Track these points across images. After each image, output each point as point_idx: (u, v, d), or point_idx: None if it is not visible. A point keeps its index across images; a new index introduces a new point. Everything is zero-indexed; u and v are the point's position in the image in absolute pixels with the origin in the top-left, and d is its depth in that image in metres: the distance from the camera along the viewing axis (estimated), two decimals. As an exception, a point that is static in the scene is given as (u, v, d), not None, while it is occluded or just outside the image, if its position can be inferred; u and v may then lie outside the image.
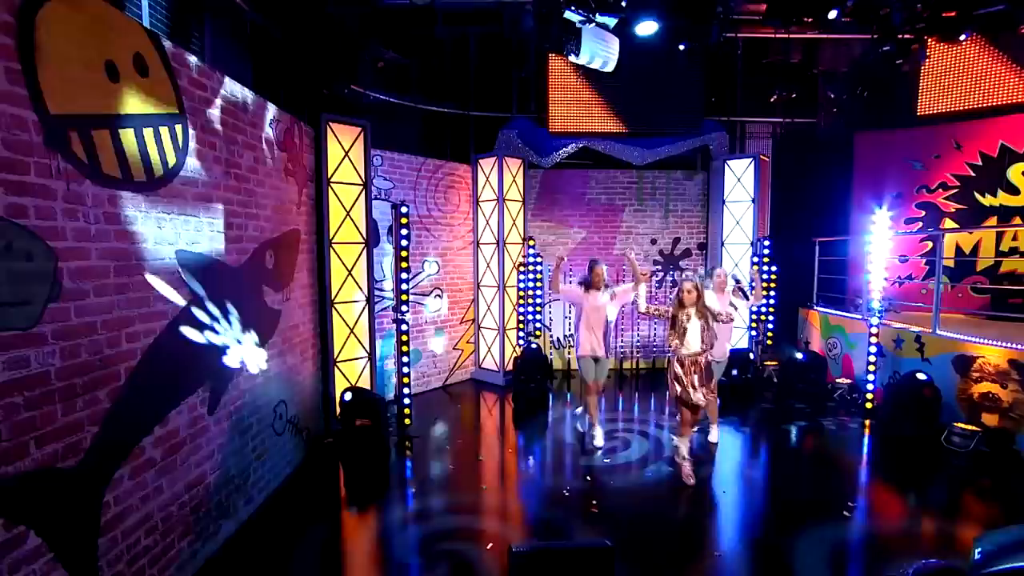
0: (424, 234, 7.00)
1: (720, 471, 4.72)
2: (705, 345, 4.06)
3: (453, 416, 6.14)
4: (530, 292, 7.25)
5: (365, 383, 5.74)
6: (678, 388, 4.16)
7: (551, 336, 8.12)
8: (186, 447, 3.26)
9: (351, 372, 5.75)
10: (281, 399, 4.49)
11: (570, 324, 8.11)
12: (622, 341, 8.37)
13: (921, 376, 5.54)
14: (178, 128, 3.12)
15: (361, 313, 5.77)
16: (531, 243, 7.40)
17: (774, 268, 7.44)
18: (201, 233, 3.41)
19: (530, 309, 7.33)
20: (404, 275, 5.71)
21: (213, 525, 3.47)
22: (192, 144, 3.26)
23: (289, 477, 4.55)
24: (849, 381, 6.85)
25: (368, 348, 5.83)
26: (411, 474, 4.75)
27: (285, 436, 4.53)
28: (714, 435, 5.30)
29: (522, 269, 7.25)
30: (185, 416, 3.26)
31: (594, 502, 4.03)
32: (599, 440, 4.97)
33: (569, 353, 8.05)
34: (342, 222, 5.57)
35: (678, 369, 4.19)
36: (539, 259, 7.39)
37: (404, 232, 5.76)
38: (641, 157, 7.92)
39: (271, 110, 4.23)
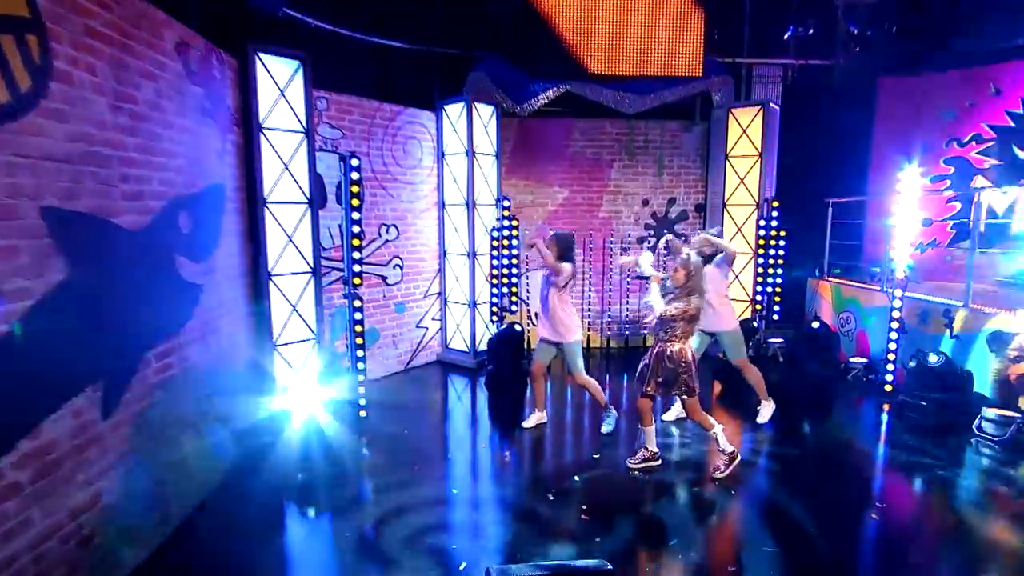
0: (380, 193, 6.62)
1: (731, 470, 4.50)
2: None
3: (417, 405, 5.95)
4: (505, 260, 6.99)
5: (311, 370, 5.35)
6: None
7: (529, 310, 7.89)
8: (69, 463, 2.80)
9: (294, 357, 5.29)
10: (207, 394, 4.08)
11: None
12: (609, 314, 8.21)
13: (935, 357, 5.41)
14: (31, 40, 2.55)
15: (306, 287, 5.30)
16: (506, 204, 7.11)
17: (782, 233, 7.19)
18: (81, 186, 2.86)
19: (504, 280, 7.05)
20: (357, 241, 5.36)
21: (112, 557, 3.02)
22: (57, 64, 2.69)
23: (220, 485, 4.21)
24: (865, 360, 6.77)
25: (315, 329, 5.36)
26: (367, 477, 4.50)
27: (213, 438, 4.15)
28: (672, 413, 5.31)
29: (495, 235, 6.92)
30: (67, 423, 2.79)
31: (584, 507, 3.83)
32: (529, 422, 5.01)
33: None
34: (279, 177, 5.06)
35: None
36: (515, 223, 7.07)
37: (356, 190, 5.34)
38: (632, 104, 7.60)
39: (176, 29, 3.66)
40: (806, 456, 4.78)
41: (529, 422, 5.11)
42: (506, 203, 7.04)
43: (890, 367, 6.17)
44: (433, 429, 5.38)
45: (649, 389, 4.18)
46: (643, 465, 4.39)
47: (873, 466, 4.76)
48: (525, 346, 6.71)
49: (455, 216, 7.16)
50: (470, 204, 6.96)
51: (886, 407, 5.94)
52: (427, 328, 7.31)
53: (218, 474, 4.32)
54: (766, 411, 5.25)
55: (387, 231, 6.74)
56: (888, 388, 6.15)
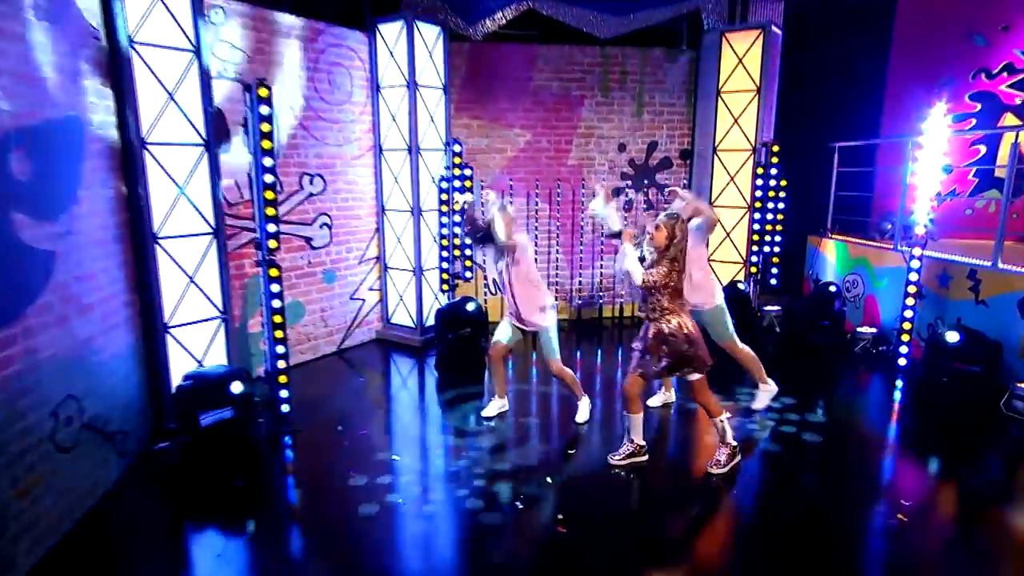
0: (301, 135, 6.11)
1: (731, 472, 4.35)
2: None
3: (352, 394, 5.67)
4: (457, 218, 6.75)
5: (218, 356, 4.82)
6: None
7: (487, 277, 7.67)
8: None
9: (195, 342, 4.72)
10: (68, 394, 3.58)
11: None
12: (580, 280, 8.00)
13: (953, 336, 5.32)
14: None
15: (206, 253, 4.71)
16: (457, 150, 6.77)
17: (783, 184, 7.09)
18: None
19: (457, 242, 6.85)
20: (271, 195, 4.87)
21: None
22: None
23: (92, 511, 3.75)
24: (874, 330, 6.76)
25: (221, 305, 4.80)
26: (290, 492, 4.13)
27: (81, 450, 3.67)
28: (657, 399, 5.26)
29: (445, 186, 6.64)
30: None
31: (560, 517, 3.62)
32: (490, 410, 4.99)
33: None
34: (162, 110, 4.41)
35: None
36: (468, 172, 6.77)
37: (267, 129, 4.79)
38: (607, 27, 7.24)
39: None
40: (810, 447, 4.63)
41: (489, 410, 5.00)
42: (457, 148, 6.77)
43: (905, 338, 6.10)
44: (373, 423, 5.06)
45: (646, 374, 4.01)
46: (628, 461, 4.24)
47: (890, 457, 4.67)
48: (484, 319, 6.52)
49: (395, 164, 6.78)
50: (413, 149, 6.58)
51: (899, 384, 5.91)
52: (364, 300, 7.01)
53: (91, 496, 3.82)
54: (764, 396, 5.13)
55: (311, 182, 6.27)
56: (902, 362, 6.09)
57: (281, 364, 4.99)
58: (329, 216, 6.48)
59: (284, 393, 5.01)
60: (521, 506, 3.76)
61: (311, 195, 6.30)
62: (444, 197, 6.69)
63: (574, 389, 4.94)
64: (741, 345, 5.02)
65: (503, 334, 4.86)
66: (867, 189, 7.86)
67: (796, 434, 4.80)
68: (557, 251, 7.84)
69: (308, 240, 6.34)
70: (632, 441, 4.24)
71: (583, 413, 4.94)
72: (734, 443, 4.18)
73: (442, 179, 6.72)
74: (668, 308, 3.91)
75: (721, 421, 4.18)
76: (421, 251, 6.82)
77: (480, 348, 6.17)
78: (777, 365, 5.76)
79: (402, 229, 6.88)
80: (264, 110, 4.77)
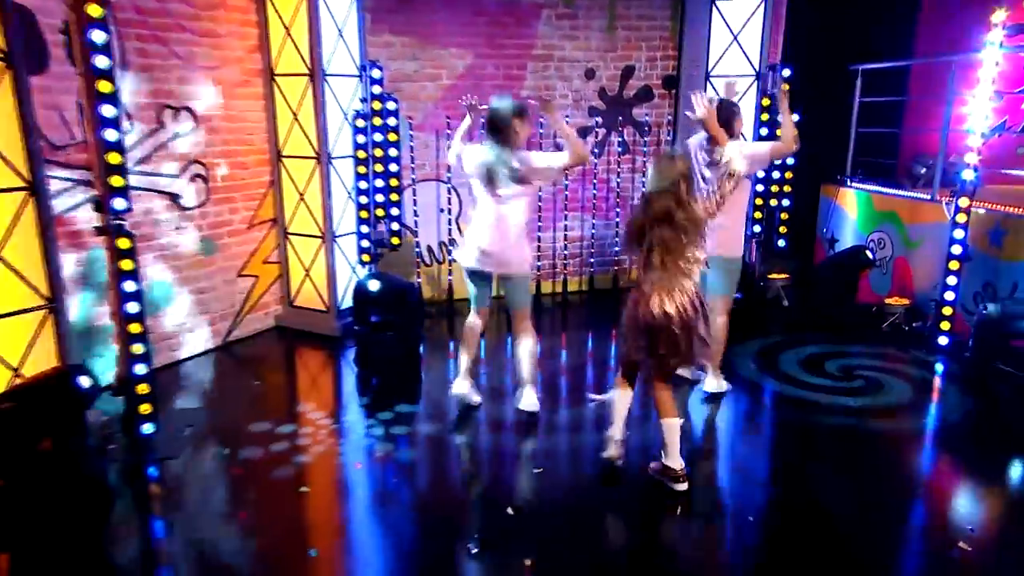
0: (158, 52, 5.66)
1: (725, 475, 4.49)
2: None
3: (242, 403, 5.47)
4: (379, 167, 6.62)
5: (47, 358, 4.41)
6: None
7: (418, 244, 7.65)
8: None
9: (9, 343, 4.22)
10: None
11: (452, 220, 7.75)
12: (537, 247, 8.00)
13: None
14: None
15: (20, 216, 4.16)
16: (376, 75, 6.49)
17: (795, 118, 6.66)
18: None
19: (380, 198, 6.69)
20: (113, 134, 4.43)
21: None
22: None
23: None
24: (906, 302, 6.80)
25: (47, 290, 4.31)
26: (164, 549, 3.80)
27: None
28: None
29: (361, 125, 6.45)
30: None
31: (528, 563, 3.45)
32: (462, 389, 5.16)
33: (450, 266, 7.68)
34: None
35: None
36: (392, 105, 6.55)
37: (102, 39, 4.29)
38: None
39: None
40: (836, 457, 4.60)
41: (462, 386, 5.13)
42: (376, 73, 6.54)
43: (947, 311, 6.07)
44: (273, 444, 4.75)
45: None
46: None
47: (941, 466, 4.66)
48: (418, 299, 6.66)
49: (293, 94, 6.46)
50: (317, 74, 6.28)
51: (939, 369, 5.95)
52: (257, 278, 6.73)
53: None
54: (713, 381, 5.37)
55: (175, 118, 5.83)
56: (943, 341, 6.10)
57: (140, 369, 4.69)
58: (203, 165, 6.09)
59: (146, 408, 4.71)
60: (476, 550, 3.56)
61: (176, 136, 5.86)
62: (361, 139, 6.43)
63: (530, 362, 4.99)
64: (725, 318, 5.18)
65: (472, 288, 4.92)
66: (896, 124, 7.89)
67: (813, 440, 4.80)
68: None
69: (174, 198, 5.94)
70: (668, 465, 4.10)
71: (530, 399, 5.02)
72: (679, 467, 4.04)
73: (357, 115, 6.44)
74: (696, 261, 3.86)
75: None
76: (332, 211, 6.56)
77: (415, 336, 6.23)
78: (785, 349, 5.96)
79: (306, 182, 6.54)
80: (97, 13, 4.22)
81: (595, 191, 7.76)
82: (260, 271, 6.70)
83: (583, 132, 7.64)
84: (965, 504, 4.09)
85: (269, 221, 6.68)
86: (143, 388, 4.66)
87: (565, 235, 7.93)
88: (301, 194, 6.52)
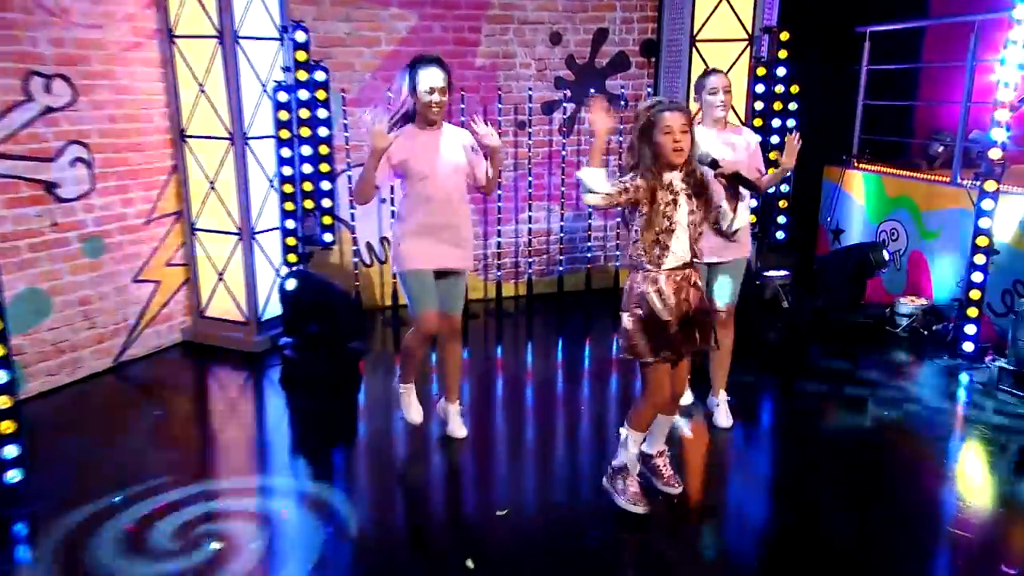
0: (19, 3, 5.39)
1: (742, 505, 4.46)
2: (701, 248, 4.02)
3: (140, 438, 5.23)
4: (308, 149, 6.47)
5: None
6: (642, 340, 3.89)
7: (356, 241, 7.51)
8: None
9: None
10: None
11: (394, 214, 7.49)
12: (498, 243, 7.83)
13: None
14: None
15: None
16: (301, 39, 6.34)
17: (794, 90, 6.96)
18: None
19: (308, 187, 6.53)
20: None
21: None
22: None
23: None
24: (924, 302, 6.76)
25: None
26: None
27: None
28: (723, 416, 5.17)
29: (284, 99, 6.27)
30: None
31: None
32: (455, 426, 5.03)
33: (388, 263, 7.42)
34: None
35: (655, 300, 3.87)
36: (321, 76, 6.43)
37: None
38: None
39: None
40: (850, 489, 4.49)
41: (415, 411, 4.99)
42: (301, 36, 6.34)
43: (973, 312, 6.03)
44: (178, 487, 4.58)
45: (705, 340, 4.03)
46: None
47: (970, 498, 4.46)
48: (355, 306, 6.69)
49: (198, 61, 6.29)
50: (227, 36, 6.10)
51: (964, 380, 5.88)
52: (158, 283, 6.57)
53: None
54: (725, 408, 5.26)
55: (47, 89, 5.56)
56: (968, 347, 6.03)
57: (3, 402, 4.38)
58: (86, 147, 5.84)
59: (11, 450, 4.38)
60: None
61: (51, 110, 5.60)
62: (284, 116, 6.25)
63: (454, 376, 5.00)
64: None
65: (431, 291, 4.73)
66: (910, 96, 7.90)
67: (822, 473, 4.69)
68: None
69: (50, 187, 5.68)
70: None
71: (460, 425, 4.98)
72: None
73: (278, 87, 6.25)
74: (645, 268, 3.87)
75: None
76: (250, 203, 6.38)
77: (353, 350, 6.05)
78: (785, 355, 6.03)
79: (217, 168, 6.39)
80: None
81: (564, 177, 7.53)
82: (162, 275, 6.53)
83: (548, 107, 7.56)
84: (999, 542, 3.97)
85: (172, 215, 6.54)
86: (7, 426, 4.36)
87: (529, 229, 7.77)
88: (211, 182, 6.33)
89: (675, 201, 3.67)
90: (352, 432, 5.36)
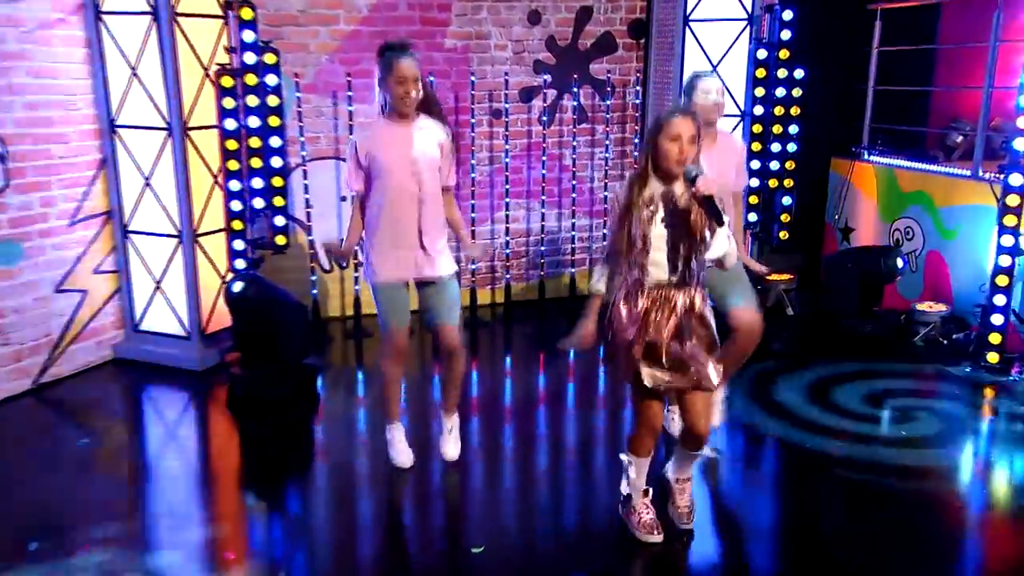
0: None
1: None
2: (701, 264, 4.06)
3: (64, 472, 5.03)
4: (257, 141, 6.36)
5: None
6: (619, 358, 3.95)
7: (313, 247, 7.32)
8: None
9: None
10: None
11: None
12: (509, 239, 7.76)
13: None
14: None
15: None
16: (248, 17, 6.21)
17: (799, 73, 6.85)
18: None
19: (258, 184, 6.45)
20: None
21: None
22: None
23: None
24: (943, 309, 6.70)
25: None
26: None
27: None
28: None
29: (229, 84, 6.17)
30: None
31: None
32: (450, 448, 5.03)
33: (351, 270, 7.48)
34: None
35: (621, 314, 3.92)
36: (271, 58, 6.30)
37: None
38: None
39: None
40: (863, 536, 4.27)
41: (402, 454, 4.94)
42: (247, 13, 6.24)
43: (997, 320, 5.97)
44: (109, 530, 4.37)
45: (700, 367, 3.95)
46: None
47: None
48: (312, 315, 6.77)
49: (129, 40, 6.11)
50: (162, 10, 5.92)
51: (988, 395, 5.83)
52: (85, 293, 6.41)
53: None
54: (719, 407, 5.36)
55: None
56: (993, 359, 5.96)
57: None
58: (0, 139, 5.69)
59: None
60: None
61: None
62: (229, 104, 6.10)
63: (454, 393, 4.97)
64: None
65: (403, 307, 4.69)
66: (925, 80, 7.89)
67: (839, 495, 4.66)
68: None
69: None
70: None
71: (455, 445, 4.98)
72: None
73: (223, 71, 6.16)
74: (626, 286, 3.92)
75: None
76: (191, 202, 6.23)
77: (311, 367, 6.00)
78: (787, 369, 5.99)
79: (153, 162, 6.25)
80: None
81: (544, 171, 7.41)
82: (89, 284, 6.39)
83: (526, 93, 7.52)
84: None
85: (101, 215, 6.38)
86: None
87: (507, 229, 7.67)
88: (146, 178, 6.18)
89: (652, 217, 3.66)
90: (309, 461, 5.23)
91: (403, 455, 4.86)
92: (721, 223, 3.66)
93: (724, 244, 3.87)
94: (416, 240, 4.56)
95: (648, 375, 3.77)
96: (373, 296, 4.74)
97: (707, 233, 3.75)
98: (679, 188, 3.65)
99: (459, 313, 4.83)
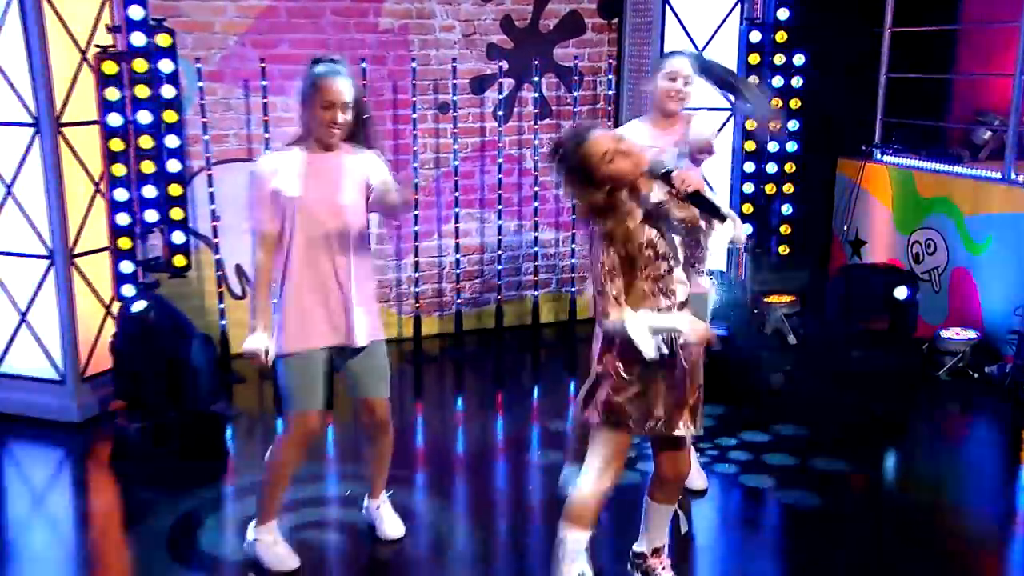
0: None
1: None
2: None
3: None
4: (150, 142, 6.18)
5: None
6: (621, 400, 3.82)
7: (223, 265, 7.10)
8: None
9: None
10: None
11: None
12: (416, 264, 7.46)
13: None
14: None
15: None
16: None
17: (799, 59, 6.89)
18: None
19: (151, 192, 6.30)
20: None
21: None
22: None
23: None
24: (972, 335, 6.62)
25: None
26: None
27: None
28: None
29: (112, 71, 5.99)
30: None
31: None
32: (388, 526, 4.87)
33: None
34: None
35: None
36: (166, 40, 6.09)
37: None
38: None
39: None
40: None
41: (289, 556, 4.66)
42: None
43: None
44: None
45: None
46: None
47: None
48: (219, 351, 6.60)
49: None
50: None
51: None
52: None
53: None
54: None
55: None
56: None
57: None
58: None
59: None
60: None
61: None
62: (113, 95, 5.90)
63: (383, 475, 4.81)
64: None
65: (317, 383, 4.44)
66: (946, 68, 7.91)
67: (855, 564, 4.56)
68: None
69: None
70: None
71: (395, 521, 4.81)
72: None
73: (104, 55, 5.94)
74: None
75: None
76: (65, 215, 6.00)
77: (217, 415, 5.83)
78: (795, 413, 5.87)
79: (16, 167, 6.03)
80: None
81: (501, 176, 7.25)
82: None
83: (478, 83, 7.42)
84: None
85: None
86: None
87: (456, 246, 7.51)
88: (8, 186, 5.95)
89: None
90: (216, 537, 4.88)
91: (290, 557, 4.62)
92: (723, 217, 3.52)
93: (729, 226, 3.69)
94: (340, 296, 4.36)
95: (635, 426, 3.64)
96: (280, 370, 4.43)
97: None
98: (655, 195, 3.51)
99: (388, 384, 4.71)
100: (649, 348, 3.56)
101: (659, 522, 4.00)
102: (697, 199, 3.52)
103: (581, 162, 3.44)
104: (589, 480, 3.83)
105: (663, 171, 3.47)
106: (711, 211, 3.55)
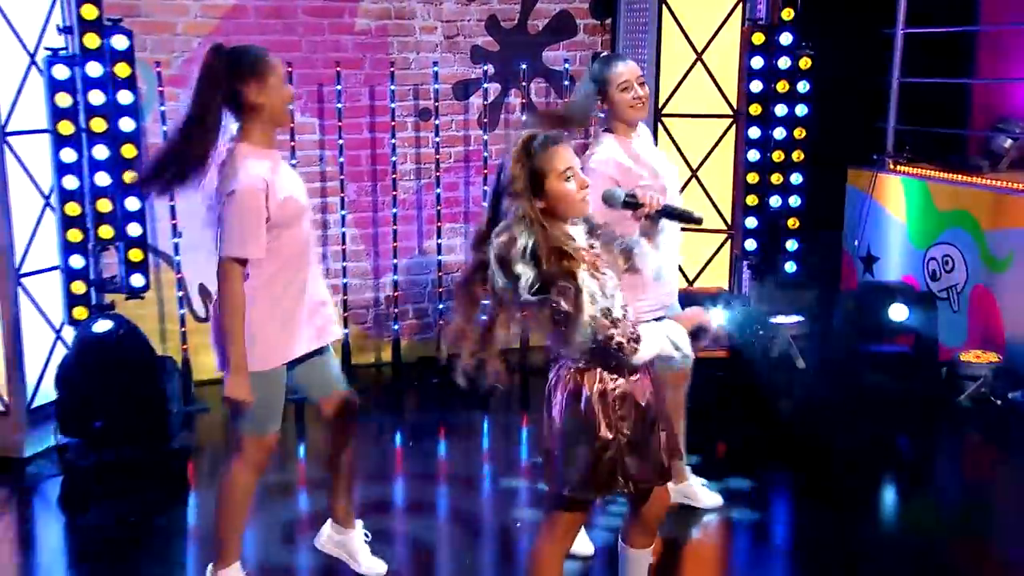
0: None
1: None
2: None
3: None
4: (105, 151, 6.13)
5: None
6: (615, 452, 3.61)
7: (182, 284, 6.99)
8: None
9: None
10: None
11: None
12: (393, 281, 7.37)
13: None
14: None
15: None
16: None
17: (804, 64, 6.79)
18: None
19: (106, 206, 6.24)
20: None
21: None
22: None
23: None
24: (994, 359, 6.54)
25: None
26: None
27: None
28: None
29: (63, 75, 5.95)
30: None
31: None
32: (367, 562, 4.83)
33: None
34: None
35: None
36: (123, 42, 6.00)
37: None
38: None
39: None
40: None
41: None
42: None
43: None
44: None
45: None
46: None
47: None
48: (180, 378, 6.48)
49: None
50: None
51: None
52: None
53: None
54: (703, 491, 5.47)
55: None
56: None
57: None
58: None
59: None
60: None
61: None
62: (64, 101, 5.85)
63: (350, 491, 4.77)
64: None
65: (280, 404, 4.40)
66: (965, 72, 7.93)
67: None
68: (343, 215, 7.33)
69: None
70: None
71: (367, 556, 4.69)
72: None
73: (55, 58, 5.84)
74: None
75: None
76: (12, 230, 5.92)
77: (177, 451, 5.77)
78: (803, 444, 5.86)
79: None
80: None
81: (486, 188, 7.17)
82: None
83: (462, 88, 7.38)
84: None
85: None
86: None
87: (439, 262, 7.44)
88: None
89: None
90: None
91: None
92: (698, 220, 3.58)
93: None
94: (318, 293, 4.33)
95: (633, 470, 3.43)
96: (252, 390, 4.20)
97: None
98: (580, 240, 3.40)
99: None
100: (675, 351, 3.47)
101: (640, 571, 3.86)
102: (667, 211, 3.50)
103: (540, 163, 3.28)
104: (548, 547, 3.67)
105: (624, 197, 3.46)
106: (684, 217, 3.56)
